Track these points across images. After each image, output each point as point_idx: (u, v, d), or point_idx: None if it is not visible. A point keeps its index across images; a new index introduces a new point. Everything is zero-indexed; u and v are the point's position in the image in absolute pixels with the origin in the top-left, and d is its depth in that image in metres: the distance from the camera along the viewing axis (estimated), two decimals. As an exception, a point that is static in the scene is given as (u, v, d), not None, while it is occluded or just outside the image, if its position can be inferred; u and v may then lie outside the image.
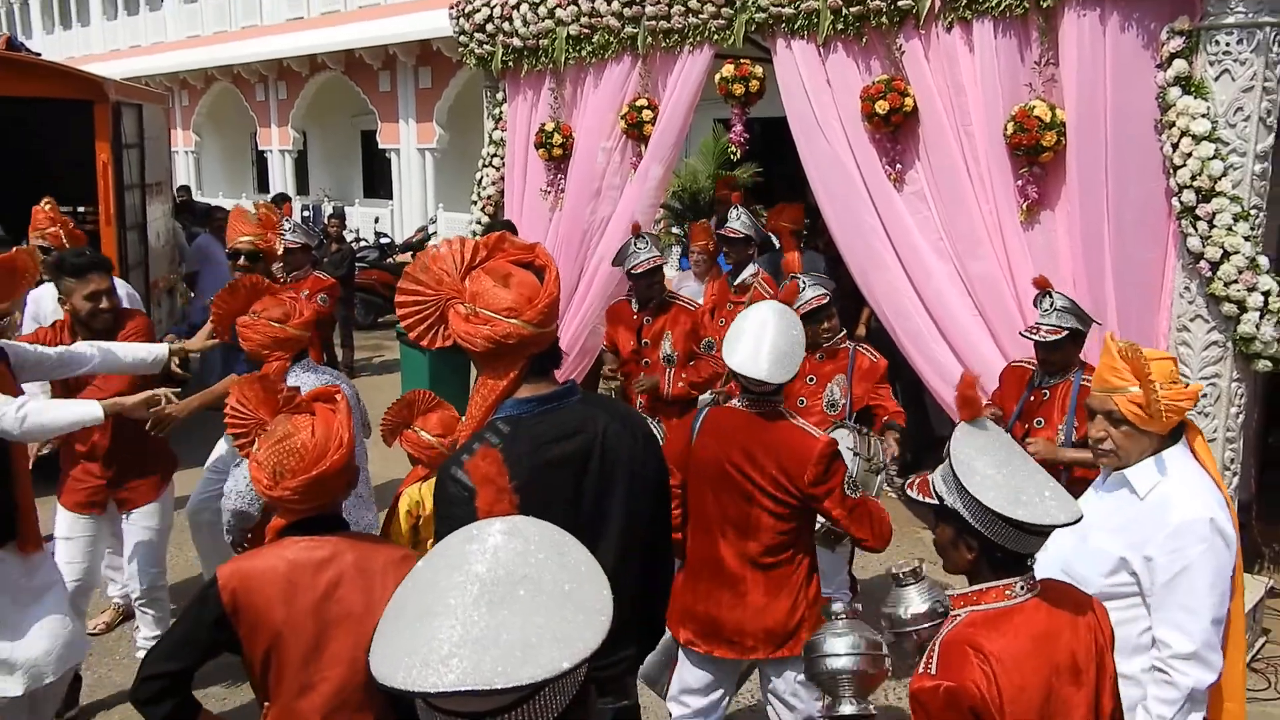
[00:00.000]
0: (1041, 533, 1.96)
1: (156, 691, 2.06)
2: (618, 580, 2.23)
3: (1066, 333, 3.74)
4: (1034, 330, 3.84)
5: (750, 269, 5.74)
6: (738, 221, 5.73)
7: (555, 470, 2.16)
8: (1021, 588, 1.99)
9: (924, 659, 1.99)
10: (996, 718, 1.87)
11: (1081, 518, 1.96)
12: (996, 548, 1.97)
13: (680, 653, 3.21)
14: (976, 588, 2.01)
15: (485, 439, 2.15)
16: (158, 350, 3.95)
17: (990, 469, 1.99)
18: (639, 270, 5.17)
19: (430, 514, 3.22)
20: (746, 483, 3.00)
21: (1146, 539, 2.46)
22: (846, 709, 2.46)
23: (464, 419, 2.32)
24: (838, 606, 2.60)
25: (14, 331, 4.32)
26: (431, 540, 3.13)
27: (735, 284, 5.71)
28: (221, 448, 4.58)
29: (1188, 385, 2.56)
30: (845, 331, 4.61)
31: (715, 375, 5.13)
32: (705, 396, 5.37)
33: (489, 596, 1.21)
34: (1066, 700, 1.96)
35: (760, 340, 3.00)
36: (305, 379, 3.50)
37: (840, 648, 2.49)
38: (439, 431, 3.42)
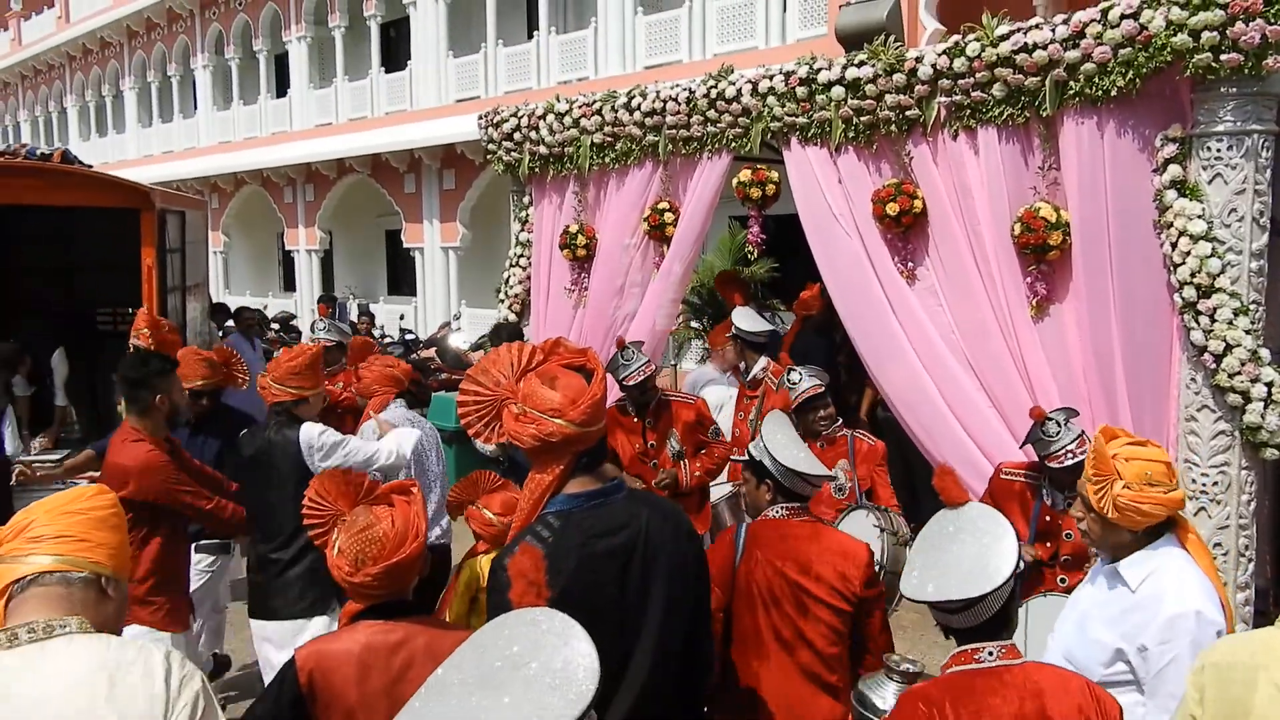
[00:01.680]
0: (948, 609, 2.16)
1: None
2: (659, 668, 2.38)
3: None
4: (1057, 458, 3.85)
5: (761, 363, 5.94)
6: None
7: (602, 561, 2.30)
8: (991, 654, 2.12)
9: None
10: None
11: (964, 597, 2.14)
12: (947, 624, 2.20)
13: None
14: (951, 654, 2.19)
15: (536, 531, 2.30)
16: None
17: (922, 557, 2.27)
18: (632, 381, 5.34)
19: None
20: (803, 594, 2.98)
21: (1139, 630, 2.59)
22: None
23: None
24: (896, 657, 2.69)
25: None
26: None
27: (748, 380, 5.90)
28: None
29: (1169, 491, 2.67)
30: (841, 420, 4.84)
31: (725, 458, 5.31)
32: (725, 488, 5.51)
33: (487, 679, 1.45)
34: None
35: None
36: (397, 414, 4.77)
37: (890, 700, 2.55)
38: (500, 511, 3.62)
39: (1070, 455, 3.84)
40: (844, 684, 3.02)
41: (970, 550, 2.20)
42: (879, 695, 2.54)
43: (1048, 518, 4.03)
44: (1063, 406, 4.09)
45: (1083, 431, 3.90)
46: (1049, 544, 4.05)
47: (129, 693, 1.75)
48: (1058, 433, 3.88)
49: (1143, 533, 2.68)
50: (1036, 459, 4.06)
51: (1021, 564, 2.20)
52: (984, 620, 2.15)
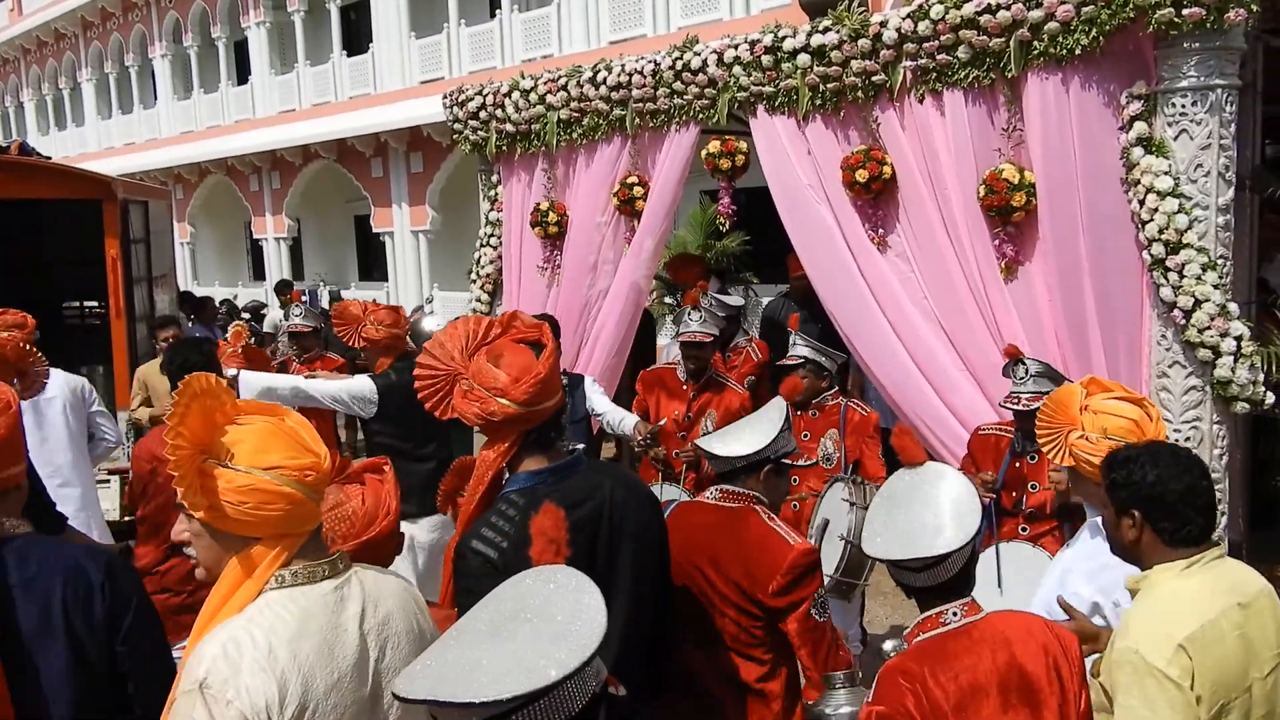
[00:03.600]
0: (910, 567, 2.16)
1: None
2: (630, 636, 2.38)
3: (1045, 395, 3.87)
4: (1014, 400, 3.98)
5: (741, 338, 5.92)
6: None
7: (571, 534, 2.29)
8: (955, 614, 2.13)
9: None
10: None
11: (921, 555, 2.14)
12: (908, 583, 2.19)
13: None
14: (916, 620, 2.18)
15: (501, 511, 2.30)
16: None
17: (882, 517, 2.26)
18: (684, 339, 5.45)
19: None
20: (709, 590, 2.73)
21: (1115, 584, 2.60)
22: None
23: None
24: (839, 675, 2.60)
25: None
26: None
27: (727, 349, 5.89)
28: None
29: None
30: (838, 388, 4.81)
31: None
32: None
33: (498, 628, 1.51)
34: None
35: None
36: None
37: (845, 706, 2.55)
38: None
39: (1017, 401, 3.96)
40: (781, 691, 2.75)
41: (932, 509, 2.20)
42: (831, 706, 2.53)
43: (1017, 464, 4.08)
44: (1048, 365, 4.09)
45: (1048, 393, 3.92)
46: (1014, 493, 4.09)
47: (424, 606, 2.07)
48: (1024, 377, 3.96)
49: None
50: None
51: (983, 524, 2.22)
52: (945, 580, 2.15)
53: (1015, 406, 3.97)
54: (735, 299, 6.69)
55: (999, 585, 3.74)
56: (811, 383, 5.00)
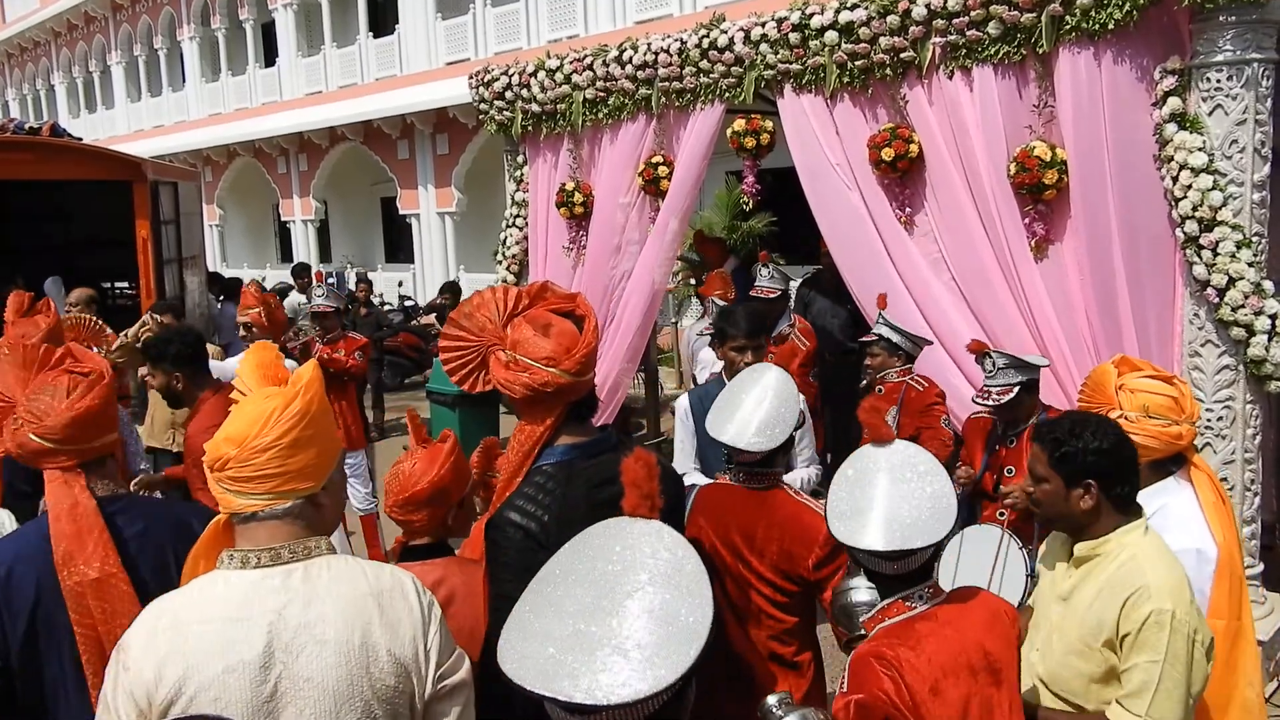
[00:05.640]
0: (881, 556, 2.10)
1: None
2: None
3: (1017, 388, 3.84)
4: (985, 395, 3.95)
5: (785, 321, 5.90)
6: (769, 280, 5.89)
7: (608, 511, 2.23)
8: (920, 597, 2.11)
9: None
10: (905, 715, 1.97)
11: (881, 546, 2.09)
12: (875, 569, 2.16)
13: None
14: (879, 606, 2.15)
15: (536, 483, 2.22)
16: None
17: (846, 497, 2.19)
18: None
19: None
20: (745, 569, 2.73)
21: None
22: None
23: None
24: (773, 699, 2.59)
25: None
26: None
27: (774, 336, 5.85)
28: None
29: (1169, 426, 2.66)
30: (909, 367, 4.82)
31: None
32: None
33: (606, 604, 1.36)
34: (988, 700, 2.04)
35: (748, 408, 2.77)
36: None
37: None
38: None
39: (987, 395, 3.92)
40: (812, 659, 2.81)
41: (906, 496, 2.14)
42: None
43: (998, 448, 4.04)
44: (1014, 356, 4.00)
45: (1021, 384, 3.88)
46: (995, 477, 4.05)
47: (395, 617, 1.80)
48: (991, 370, 3.91)
49: (1149, 468, 2.68)
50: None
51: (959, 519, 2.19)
52: (914, 569, 2.13)
53: (986, 403, 3.93)
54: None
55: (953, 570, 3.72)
56: (884, 360, 4.95)
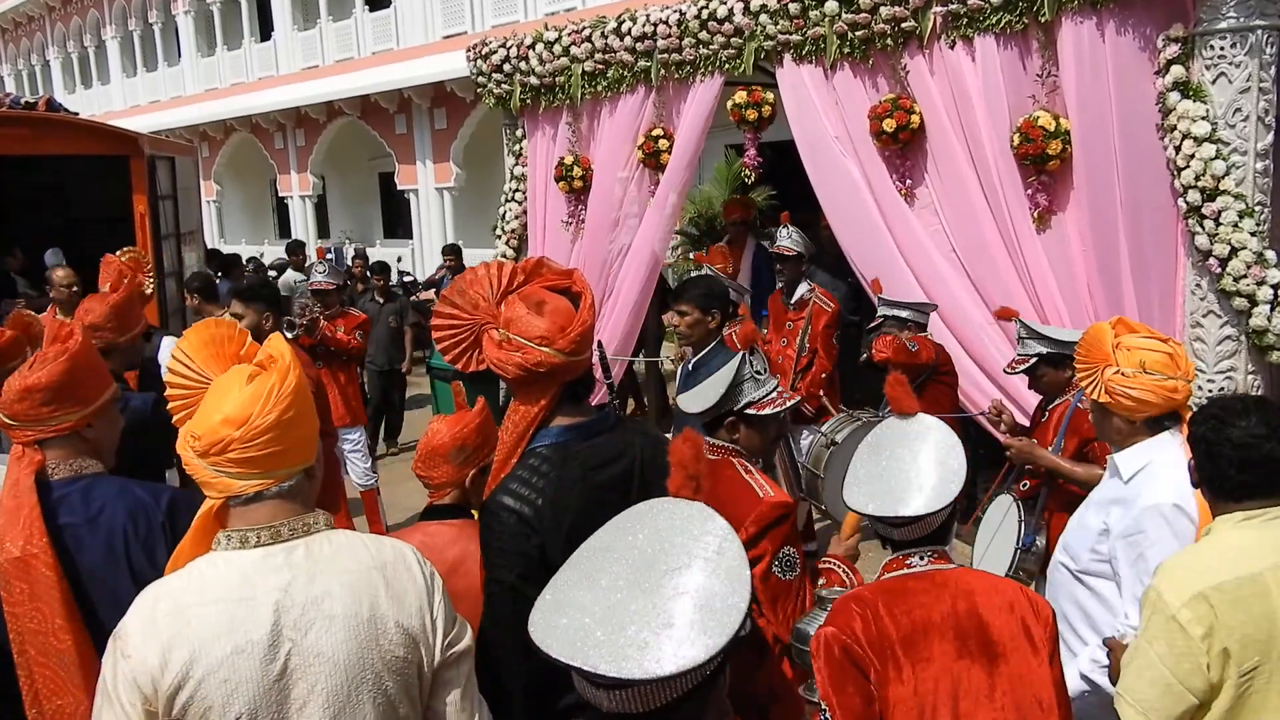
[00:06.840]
0: (889, 521, 2.12)
1: None
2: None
3: (1034, 359, 3.80)
4: (1011, 366, 3.94)
5: (805, 285, 5.88)
6: (789, 239, 5.90)
7: (604, 494, 2.18)
8: (921, 558, 2.13)
9: None
10: (869, 655, 1.99)
11: (892, 513, 2.11)
12: (886, 535, 2.19)
13: None
14: (883, 563, 2.19)
15: (531, 466, 2.17)
16: None
17: (866, 466, 2.21)
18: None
19: None
20: None
21: (1121, 518, 2.62)
22: None
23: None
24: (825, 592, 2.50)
25: None
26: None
27: (792, 301, 5.83)
28: None
29: (1164, 381, 2.66)
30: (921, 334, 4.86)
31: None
32: None
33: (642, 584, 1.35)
34: (968, 673, 2.02)
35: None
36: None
37: None
38: None
39: (1011, 366, 3.92)
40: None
41: (918, 464, 2.16)
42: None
43: (1043, 418, 4.02)
44: (1033, 328, 3.97)
45: (1039, 356, 3.83)
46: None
47: (401, 589, 1.79)
48: (1021, 339, 3.89)
49: (1143, 424, 2.69)
50: None
51: (969, 482, 2.19)
52: (923, 535, 2.14)
53: (1009, 371, 3.96)
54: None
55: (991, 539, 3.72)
56: (894, 338, 4.93)
